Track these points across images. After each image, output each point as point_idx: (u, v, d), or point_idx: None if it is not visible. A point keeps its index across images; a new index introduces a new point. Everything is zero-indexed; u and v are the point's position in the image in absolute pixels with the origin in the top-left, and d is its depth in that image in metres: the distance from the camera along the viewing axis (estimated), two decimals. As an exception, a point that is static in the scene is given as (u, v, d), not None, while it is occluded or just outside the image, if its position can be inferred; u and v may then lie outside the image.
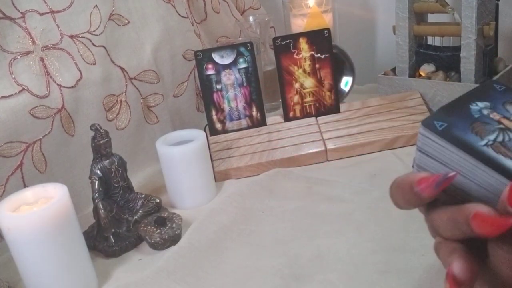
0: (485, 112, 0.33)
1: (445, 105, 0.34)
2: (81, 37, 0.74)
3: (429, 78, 0.88)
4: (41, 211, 0.50)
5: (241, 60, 0.83)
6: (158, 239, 0.61)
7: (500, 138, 0.32)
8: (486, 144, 0.32)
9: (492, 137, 0.32)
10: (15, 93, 0.66)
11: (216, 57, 0.83)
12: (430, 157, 0.33)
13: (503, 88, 0.35)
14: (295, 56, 0.85)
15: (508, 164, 0.31)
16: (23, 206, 0.53)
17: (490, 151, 0.32)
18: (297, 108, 0.86)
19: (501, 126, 0.33)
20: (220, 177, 0.77)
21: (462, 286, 0.29)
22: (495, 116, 0.33)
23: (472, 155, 0.32)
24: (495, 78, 0.83)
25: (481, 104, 0.34)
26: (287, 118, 0.86)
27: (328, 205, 0.65)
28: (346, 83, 0.95)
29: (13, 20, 0.67)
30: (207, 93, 0.84)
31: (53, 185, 0.54)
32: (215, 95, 0.84)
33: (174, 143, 0.71)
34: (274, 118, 0.87)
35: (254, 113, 0.85)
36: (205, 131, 0.75)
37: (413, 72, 0.91)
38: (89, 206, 0.67)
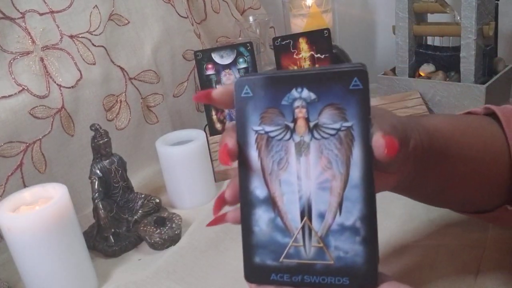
0: (297, 103, 0.32)
1: (275, 74, 0.33)
2: (81, 37, 0.74)
3: (429, 78, 0.88)
4: (41, 211, 0.50)
5: (241, 60, 0.83)
6: (158, 239, 0.61)
7: (274, 134, 0.33)
8: (256, 131, 0.33)
9: (269, 129, 0.33)
10: (15, 93, 0.66)
11: (216, 57, 0.83)
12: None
13: (357, 88, 0.32)
14: (295, 56, 0.85)
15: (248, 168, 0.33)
16: (22, 206, 0.53)
17: (251, 138, 0.33)
18: (297, 108, 0.86)
19: (291, 125, 0.33)
20: (220, 177, 0.76)
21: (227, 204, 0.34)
22: (300, 113, 0.32)
23: (239, 130, 0.33)
24: (495, 78, 0.83)
25: (305, 94, 0.32)
26: (287, 118, 0.86)
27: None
28: (346, 83, 0.95)
29: (13, 20, 0.67)
30: (207, 93, 0.84)
31: (53, 185, 0.54)
32: (215, 95, 0.84)
33: (174, 143, 0.71)
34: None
35: (254, 113, 0.85)
36: (205, 131, 0.75)
37: (413, 72, 0.91)
38: (89, 206, 0.67)
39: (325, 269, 0.32)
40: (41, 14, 0.70)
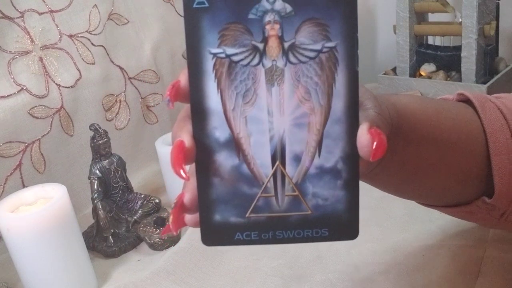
0: (268, 18, 0.26)
1: None
2: (80, 36, 0.74)
3: (429, 77, 0.88)
4: (40, 211, 0.50)
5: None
6: (157, 239, 0.60)
7: (238, 58, 0.26)
8: (215, 54, 0.26)
9: (232, 51, 0.26)
10: (14, 93, 0.66)
11: (215, 56, 0.82)
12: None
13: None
14: None
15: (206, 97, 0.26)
16: (22, 207, 0.53)
17: (208, 64, 0.26)
18: (297, 107, 0.86)
19: (260, 45, 0.26)
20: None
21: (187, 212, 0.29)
22: (272, 30, 0.26)
23: (190, 54, 0.26)
24: (496, 78, 0.83)
25: (278, 5, 0.26)
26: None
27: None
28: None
29: (12, 19, 0.67)
30: (206, 93, 0.83)
31: (52, 185, 0.54)
32: (214, 95, 0.83)
33: (173, 143, 0.71)
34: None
35: (254, 113, 0.85)
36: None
37: (414, 72, 0.91)
38: (88, 206, 0.67)
39: (301, 221, 0.28)
40: (40, 14, 0.70)
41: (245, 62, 0.26)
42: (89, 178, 0.64)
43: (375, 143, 0.26)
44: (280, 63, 0.26)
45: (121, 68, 0.79)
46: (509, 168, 0.38)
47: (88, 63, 0.74)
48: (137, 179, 0.78)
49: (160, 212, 0.67)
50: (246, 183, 0.27)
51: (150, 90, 0.84)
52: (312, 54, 0.26)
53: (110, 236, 0.62)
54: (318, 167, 0.27)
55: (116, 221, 0.65)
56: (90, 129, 0.63)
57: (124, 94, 0.80)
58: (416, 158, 0.37)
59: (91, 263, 0.56)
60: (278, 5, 0.26)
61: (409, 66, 0.90)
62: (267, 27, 0.26)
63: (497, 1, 0.85)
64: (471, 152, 0.39)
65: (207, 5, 0.26)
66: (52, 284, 0.52)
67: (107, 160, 0.64)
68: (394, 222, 0.59)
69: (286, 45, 0.26)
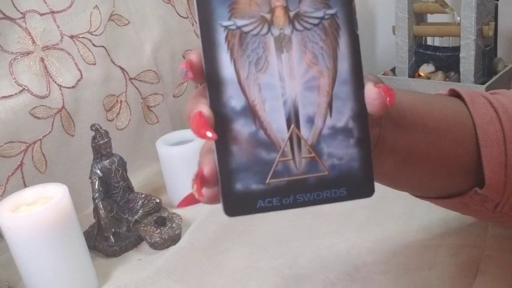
0: None
1: None
2: (81, 37, 0.74)
3: (428, 78, 0.88)
4: (41, 211, 0.50)
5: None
6: (158, 239, 0.61)
7: (248, 28, 0.28)
8: (226, 26, 0.27)
9: (242, 22, 0.27)
10: (16, 93, 0.66)
11: (216, 57, 0.82)
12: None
13: None
14: None
15: (221, 65, 0.27)
16: (23, 206, 0.53)
17: (220, 37, 0.27)
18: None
19: (268, 16, 0.28)
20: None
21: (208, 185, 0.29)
22: (277, 1, 0.28)
23: (203, 28, 0.27)
24: (494, 78, 0.83)
25: None
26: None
27: (328, 205, 0.65)
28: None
29: (13, 20, 0.67)
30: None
31: (53, 185, 0.54)
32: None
33: (174, 143, 0.71)
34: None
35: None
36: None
37: (413, 73, 0.92)
38: (89, 206, 0.67)
39: (319, 182, 0.28)
40: (41, 14, 0.70)
41: (255, 32, 0.28)
42: (90, 178, 0.64)
43: (386, 95, 0.27)
44: (287, 31, 0.28)
45: (121, 69, 0.79)
46: (499, 159, 0.39)
47: (89, 64, 0.75)
48: (138, 179, 0.78)
49: (161, 211, 0.67)
50: (264, 149, 0.28)
51: (151, 91, 0.84)
52: (315, 21, 0.28)
53: (111, 236, 0.62)
54: (331, 127, 0.28)
55: (117, 221, 0.65)
56: (91, 129, 0.63)
57: (125, 95, 0.80)
58: (407, 145, 0.37)
59: (92, 262, 0.56)
60: None
61: (408, 66, 0.91)
62: None
63: (496, 2, 0.85)
64: (461, 141, 0.39)
65: None
66: (53, 284, 0.52)
67: (108, 160, 0.64)
68: (394, 222, 0.59)
69: (292, 14, 0.28)
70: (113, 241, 0.62)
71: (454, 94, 0.43)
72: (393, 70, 0.94)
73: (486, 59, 0.84)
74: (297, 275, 0.53)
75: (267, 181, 0.28)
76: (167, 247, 0.61)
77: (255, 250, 0.58)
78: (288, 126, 0.28)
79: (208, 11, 0.27)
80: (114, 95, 0.78)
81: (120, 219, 0.65)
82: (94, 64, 0.75)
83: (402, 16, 0.88)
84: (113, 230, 0.63)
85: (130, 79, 0.81)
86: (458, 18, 0.83)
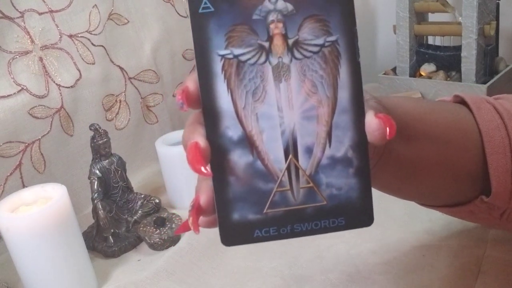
0: (272, 17, 0.27)
1: None
2: (80, 36, 0.74)
3: (429, 78, 0.88)
4: (40, 211, 0.50)
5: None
6: (157, 239, 0.60)
7: (246, 57, 0.27)
8: (223, 55, 0.27)
9: (239, 51, 0.27)
10: (14, 93, 0.66)
11: (216, 56, 0.82)
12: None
13: None
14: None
15: (216, 95, 0.27)
16: (22, 207, 0.53)
17: (216, 66, 0.27)
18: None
19: (266, 44, 0.27)
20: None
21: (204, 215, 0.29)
22: (276, 28, 0.27)
23: (199, 57, 0.27)
24: (496, 78, 0.83)
25: (280, 5, 0.27)
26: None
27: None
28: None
29: (12, 19, 0.67)
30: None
31: (52, 185, 0.54)
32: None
33: (173, 143, 0.71)
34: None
35: (254, 113, 0.85)
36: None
37: (414, 72, 0.91)
38: (89, 206, 0.67)
39: (317, 212, 0.28)
40: (40, 14, 0.70)
41: (252, 61, 0.27)
42: (89, 178, 0.64)
43: (386, 125, 0.27)
44: (286, 59, 0.27)
45: (121, 68, 0.79)
46: (505, 166, 0.38)
47: (88, 63, 0.74)
48: (137, 179, 0.78)
49: (160, 212, 0.67)
50: (262, 179, 0.28)
51: (150, 90, 0.84)
52: (315, 49, 0.27)
53: (110, 236, 0.62)
54: (330, 157, 0.28)
55: (116, 221, 0.65)
56: (90, 129, 0.63)
57: (124, 94, 0.80)
58: (413, 156, 0.37)
59: (91, 263, 0.56)
60: (280, 4, 0.27)
61: (409, 66, 0.90)
62: (271, 26, 0.27)
63: (497, 1, 0.85)
64: (467, 149, 0.39)
65: (212, 9, 0.27)
66: (52, 284, 0.52)
67: (107, 160, 0.64)
68: (394, 222, 0.58)
69: (290, 42, 0.27)
70: (112, 241, 0.62)
71: (459, 100, 0.43)
72: (394, 69, 0.94)
73: (488, 58, 0.84)
74: (297, 275, 0.53)
75: (265, 211, 0.28)
76: (167, 247, 0.61)
77: (255, 250, 0.58)
78: (286, 156, 0.28)
79: (204, 39, 0.27)
80: (113, 95, 0.78)
81: (119, 220, 0.65)
82: (93, 63, 0.75)
83: (403, 15, 0.88)
84: (112, 230, 0.63)
85: (130, 78, 0.80)
86: (460, 18, 0.83)
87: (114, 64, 0.78)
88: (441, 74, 0.86)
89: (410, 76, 0.90)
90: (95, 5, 0.76)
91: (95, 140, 0.63)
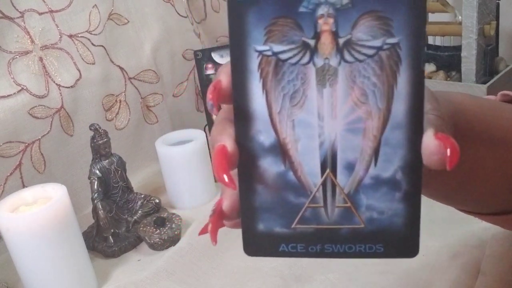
0: (321, 11, 0.23)
1: None
2: (80, 36, 0.74)
3: (429, 78, 0.88)
4: (40, 211, 0.50)
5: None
6: (157, 239, 0.60)
7: (286, 56, 0.24)
8: (260, 52, 0.24)
9: (279, 48, 0.23)
10: (14, 93, 0.66)
11: (216, 56, 0.82)
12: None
13: None
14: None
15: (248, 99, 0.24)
16: (22, 207, 0.52)
17: (253, 62, 0.24)
18: (297, 107, 0.86)
19: (311, 42, 0.23)
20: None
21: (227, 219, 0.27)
22: (325, 24, 0.23)
23: (234, 51, 0.24)
24: (496, 78, 0.83)
25: None
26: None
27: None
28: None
29: (12, 19, 0.67)
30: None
31: (52, 185, 0.54)
32: (215, 95, 0.83)
33: (173, 143, 0.71)
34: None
35: (254, 113, 0.85)
36: (205, 131, 0.74)
37: (414, 72, 0.91)
38: (89, 206, 0.67)
39: (353, 235, 0.25)
40: (40, 14, 0.70)
41: (294, 60, 0.24)
42: (89, 178, 0.64)
43: (448, 149, 0.23)
44: (334, 61, 0.23)
45: (121, 68, 0.79)
46: None
47: (88, 63, 0.74)
48: (137, 179, 0.78)
49: (160, 212, 0.67)
50: (293, 192, 0.25)
51: (150, 90, 0.84)
52: (370, 52, 0.23)
53: (110, 236, 0.62)
54: (374, 177, 0.25)
55: (116, 221, 0.64)
56: (90, 129, 0.63)
57: (124, 94, 0.80)
58: (472, 160, 0.34)
59: (91, 263, 0.56)
60: None
61: (409, 66, 0.90)
62: (320, 21, 0.23)
63: (497, 1, 0.85)
64: None
65: None
66: (52, 284, 0.52)
67: (107, 160, 0.64)
68: (394, 222, 0.58)
69: (341, 41, 0.23)
70: (112, 241, 0.62)
71: (508, 98, 0.40)
72: (393, 69, 0.94)
73: (488, 58, 0.83)
74: (297, 275, 0.53)
75: (293, 225, 0.25)
76: (167, 247, 0.61)
77: (255, 250, 0.58)
78: (323, 171, 0.25)
79: (241, 31, 0.23)
80: (113, 95, 0.78)
81: (119, 220, 0.65)
82: (93, 63, 0.75)
83: (403, 15, 0.88)
84: (112, 230, 0.63)
85: (130, 78, 0.80)
86: (460, 17, 0.83)
87: (114, 64, 0.78)
88: (441, 74, 0.86)
89: (410, 76, 0.90)
90: (95, 5, 0.76)
91: (95, 140, 0.63)
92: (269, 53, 0.24)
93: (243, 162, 0.25)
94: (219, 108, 0.26)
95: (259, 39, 0.23)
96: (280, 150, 0.25)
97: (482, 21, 0.80)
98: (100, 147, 0.63)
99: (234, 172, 0.25)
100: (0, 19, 0.66)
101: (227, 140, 0.25)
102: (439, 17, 0.90)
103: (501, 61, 0.87)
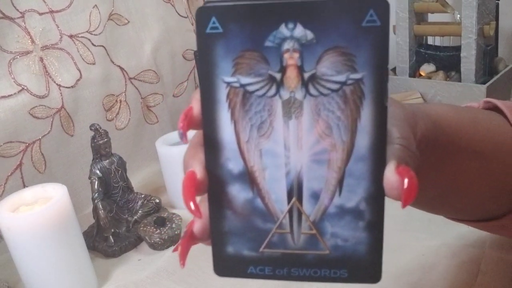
0: (287, 45, 0.24)
1: (257, 1, 0.23)
2: (81, 37, 0.74)
3: (429, 78, 0.88)
4: (41, 211, 0.50)
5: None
6: (157, 239, 0.60)
7: (253, 88, 0.24)
8: (228, 83, 0.24)
9: (247, 80, 0.24)
10: (15, 93, 0.66)
11: (216, 57, 0.82)
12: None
13: (373, 26, 0.23)
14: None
15: (219, 127, 0.25)
16: (22, 206, 0.53)
17: (221, 93, 0.24)
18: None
19: (277, 76, 0.24)
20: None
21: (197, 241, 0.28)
22: (291, 59, 0.24)
23: (203, 81, 0.24)
24: (495, 78, 0.83)
25: (298, 32, 0.23)
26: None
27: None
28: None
29: (12, 19, 0.67)
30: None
31: (53, 185, 0.54)
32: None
33: (174, 143, 0.71)
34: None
35: (254, 113, 0.85)
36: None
37: (413, 72, 0.91)
38: (89, 206, 0.67)
39: (318, 260, 0.26)
40: (40, 14, 0.70)
41: (260, 92, 0.24)
42: (89, 178, 0.64)
43: (405, 185, 0.23)
44: (299, 95, 0.24)
45: (121, 68, 0.79)
46: None
47: (88, 63, 0.75)
48: (138, 179, 0.78)
49: (161, 212, 0.67)
50: (260, 218, 0.26)
51: (150, 90, 0.84)
52: (335, 86, 0.24)
53: (111, 236, 0.62)
54: (338, 206, 0.25)
55: (116, 221, 0.65)
56: (91, 129, 0.63)
57: (125, 94, 0.80)
58: (453, 171, 0.34)
59: (91, 263, 0.56)
60: (298, 32, 0.23)
61: (408, 66, 0.91)
62: (285, 55, 0.24)
63: (497, 1, 0.85)
64: (506, 163, 0.37)
65: (221, 30, 0.24)
66: (52, 284, 0.52)
67: (107, 160, 0.64)
68: (394, 222, 0.58)
69: (306, 75, 0.24)
70: (113, 241, 0.62)
71: (490, 105, 0.41)
72: (393, 69, 0.94)
73: (487, 58, 0.84)
74: (297, 275, 0.53)
75: (261, 249, 0.26)
76: (167, 247, 0.61)
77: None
78: (289, 198, 0.26)
79: (210, 63, 0.24)
80: (114, 95, 0.78)
81: (119, 220, 0.65)
82: (94, 63, 0.75)
83: (402, 15, 0.88)
84: (112, 230, 0.63)
85: (130, 78, 0.80)
86: (459, 18, 0.83)
87: (115, 64, 0.78)
88: (441, 74, 0.87)
89: (410, 76, 0.91)
90: (96, 5, 0.76)
91: (95, 140, 0.63)
92: (237, 84, 0.24)
93: (213, 188, 0.26)
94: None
95: (227, 70, 0.24)
96: (248, 177, 0.26)
97: (482, 21, 0.80)
98: (100, 147, 0.63)
99: (205, 196, 0.26)
100: (0, 19, 0.66)
101: (197, 166, 0.26)
102: (439, 17, 0.90)
103: (501, 61, 0.87)
